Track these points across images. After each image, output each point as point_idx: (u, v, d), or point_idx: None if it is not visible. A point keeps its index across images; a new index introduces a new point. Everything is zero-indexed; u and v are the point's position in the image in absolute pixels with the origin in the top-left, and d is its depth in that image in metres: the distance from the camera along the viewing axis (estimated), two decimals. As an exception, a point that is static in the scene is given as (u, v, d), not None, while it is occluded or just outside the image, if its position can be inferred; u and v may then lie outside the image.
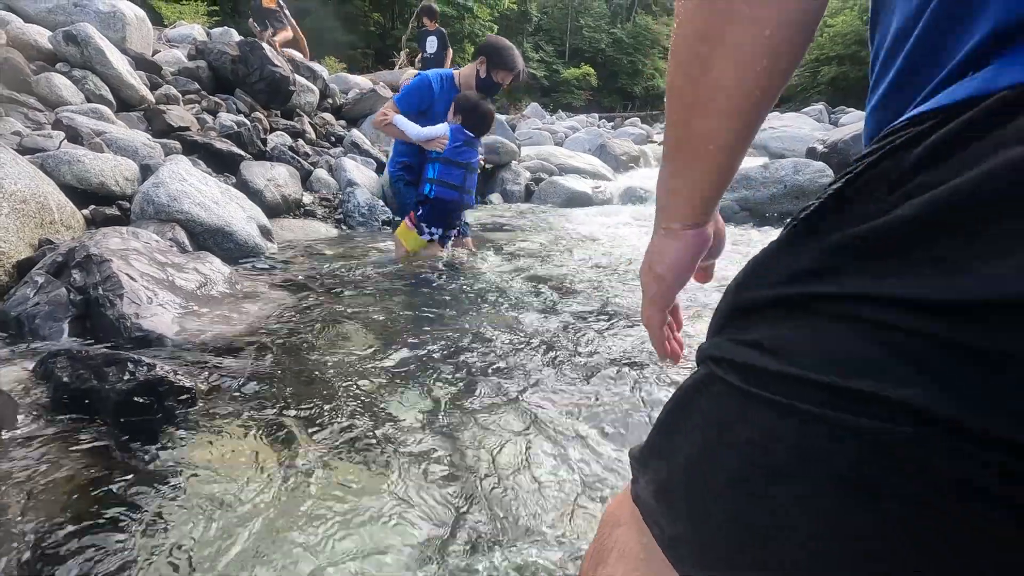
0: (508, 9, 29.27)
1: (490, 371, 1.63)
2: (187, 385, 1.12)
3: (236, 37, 6.53)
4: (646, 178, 8.36)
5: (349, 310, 2.08)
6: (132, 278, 1.62)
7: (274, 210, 3.85)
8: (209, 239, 2.79)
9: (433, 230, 2.84)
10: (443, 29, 7.98)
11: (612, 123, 21.93)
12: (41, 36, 4.01)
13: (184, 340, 1.53)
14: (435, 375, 1.58)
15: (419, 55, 8.23)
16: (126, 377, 1.07)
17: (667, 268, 0.52)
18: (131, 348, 1.49)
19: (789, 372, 0.33)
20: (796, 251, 0.36)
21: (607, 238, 4.04)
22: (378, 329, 1.91)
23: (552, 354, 1.77)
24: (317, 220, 4.16)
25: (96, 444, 1.04)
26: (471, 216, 3.46)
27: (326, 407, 1.35)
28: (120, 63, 4.16)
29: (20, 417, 1.09)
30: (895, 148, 0.34)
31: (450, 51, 7.97)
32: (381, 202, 4.48)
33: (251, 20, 6.94)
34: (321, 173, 4.87)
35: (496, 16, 28.84)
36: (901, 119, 0.36)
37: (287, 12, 6.83)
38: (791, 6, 0.39)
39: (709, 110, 0.42)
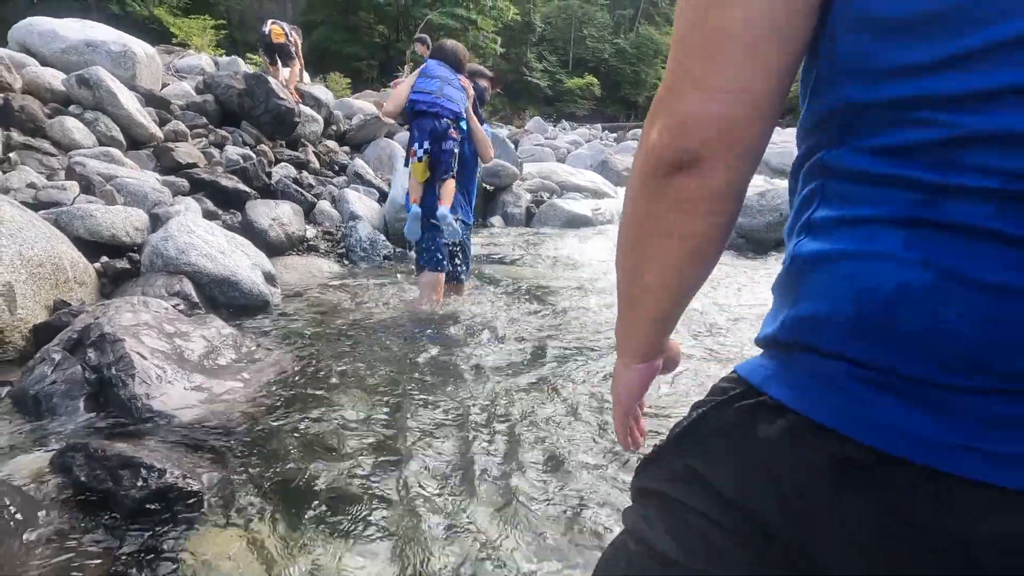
0: (512, 20, 29.46)
1: (484, 446, 1.72)
2: (195, 489, 1.22)
3: (242, 66, 6.68)
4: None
5: (348, 374, 2.18)
6: (143, 356, 1.72)
7: (278, 248, 3.96)
8: (215, 288, 2.90)
9: (421, 142, 2.83)
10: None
11: (615, 134, 22.08)
12: (55, 79, 4.15)
13: (190, 420, 1.63)
14: (432, 451, 1.67)
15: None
16: (139, 484, 1.17)
17: (623, 391, 0.63)
18: (142, 425, 1.59)
19: (658, 549, 0.50)
20: (669, 460, 0.54)
21: (607, 281, 4.13)
22: (376, 397, 2.00)
23: (552, 428, 1.86)
24: (320, 256, 4.27)
25: (111, 546, 1.14)
26: (475, 243, 3.49)
27: (322, 492, 1.44)
28: (130, 103, 4.29)
29: (40, 515, 1.18)
30: (720, 404, 0.50)
31: None
32: (383, 236, 4.59)
33: (260, 52, 7.09)
34: (324, 205, 4.98)
35: (500, 27, 29.01)
36: (732, 371, 0.53)
37: (295, 38, 6.95)
38: (708, 228, 0.46)
39: (645, 296, 0.52)
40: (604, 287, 3.79)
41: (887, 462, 0.39)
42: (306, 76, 7.23)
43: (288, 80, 6.56)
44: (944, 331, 0.37)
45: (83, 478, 1.23)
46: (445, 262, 2.95)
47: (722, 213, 0.46)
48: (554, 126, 23.32)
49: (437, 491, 1.47)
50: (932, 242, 0.38)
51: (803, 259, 0.46)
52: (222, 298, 2.93)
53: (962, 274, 0.36)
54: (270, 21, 6.80)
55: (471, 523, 1.35)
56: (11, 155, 3.26)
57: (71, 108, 4.08)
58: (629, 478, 0.63)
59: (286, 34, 6.64)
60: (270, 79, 5.48)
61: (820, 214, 0.45)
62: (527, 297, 3.56)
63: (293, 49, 6.71)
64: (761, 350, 0.51)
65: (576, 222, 7.19)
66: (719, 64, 0.42)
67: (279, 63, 6.70)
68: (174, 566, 1.10)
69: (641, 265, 0.51)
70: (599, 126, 26.51)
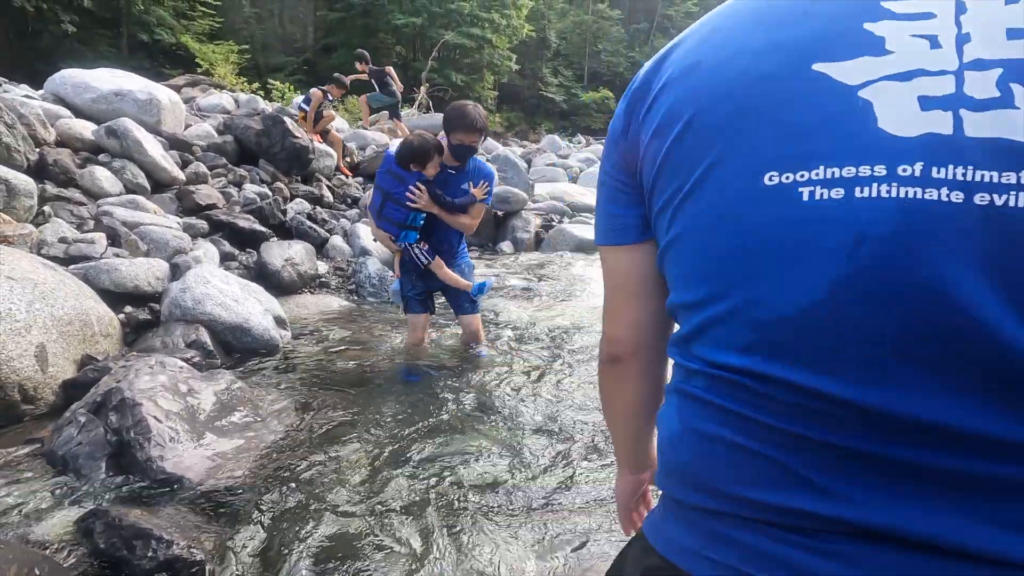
0: (527, 37, 29.86)
1: (487, 498, 1.85)
2: (198, 559, 1.37)
3: (261, 104, 6.98)
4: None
5: (352, 426, 2.33)
6: (158, 419, 1.90)
7: (290, 288, 4.16)
8: (229, 335, 3.10)
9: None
10: (374, 67, 8.51)
11: (629, 149, 22.09)
12: (85, 129, 4.45)
13: (199, 481, 1.80)
14: (436, 508, 1.81)
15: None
16: (149, 555, 1.33)
17: (619, 494, 0.81)
18: (156, 488, 1.77)
19: None
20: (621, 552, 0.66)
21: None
22: (380, 450, 2.15)
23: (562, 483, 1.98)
24: (331, 293, 4.46)
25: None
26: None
27: (322, 552, 1.59)
28: (155, 149, 4.56)
29: (66, 580, 1.35)
30: (633, 540, 0.64)
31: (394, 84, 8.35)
32: (391, 273, 4.77)
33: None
34: (336, 240, 5.20)
35: (515, 44, 29.40)
36: None
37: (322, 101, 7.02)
38: (636, 392, 0.69)
39: (616, 425, 0.76)
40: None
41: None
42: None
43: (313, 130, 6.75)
44: (685, 466, 0.53)
45: (102, 545, 1.40)
46: (419, 307, 3.07)
47: (643, 384, 0.69)
48: (569, 141, 23.51)
49: (446, 551, 1.61)
50: (684, 406, 0.54)
51: None
52: (236, 343, 3.12)
53: (693, 427, 0.52)
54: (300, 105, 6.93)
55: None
56: (45, 208, 3.52)
57: (100, 156, 4.36)
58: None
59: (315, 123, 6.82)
60: (286, 119, 5.73)
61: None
62: (531, 334, 3.69)
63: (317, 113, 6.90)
64: None
65: (585, 247, 7.30)
66: (619, 305, 0.66)
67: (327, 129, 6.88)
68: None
69: (609, 406, 0.75)
70: (614, 140, 26.56)
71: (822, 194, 0.42)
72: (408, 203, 2.75)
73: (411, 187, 2.73)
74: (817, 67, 0.44)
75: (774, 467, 0.45)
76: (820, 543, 0.43)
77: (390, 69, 8.58)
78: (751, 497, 0.46)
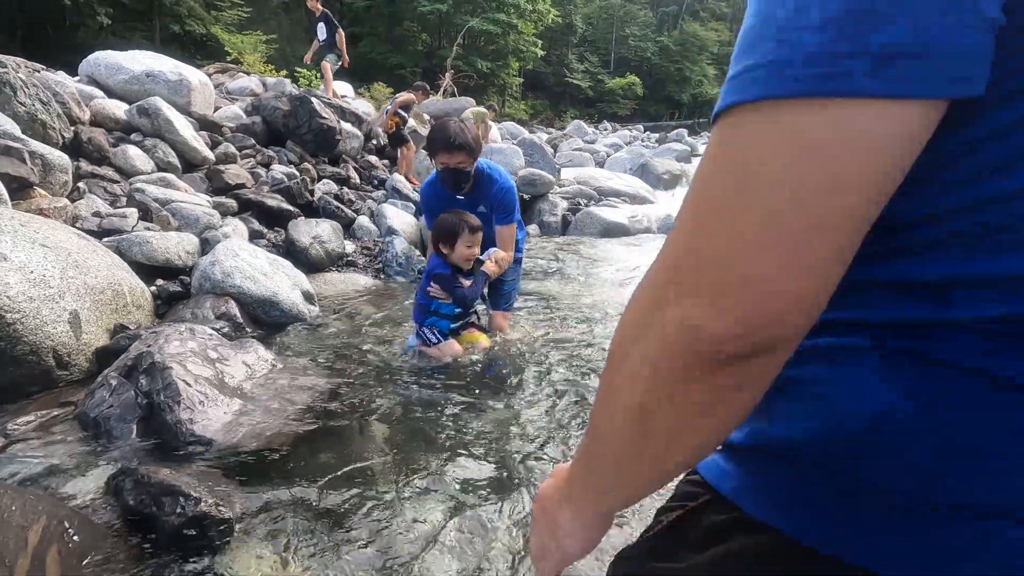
0: (553, 22, 29.46)
1: (513, 480, 1.79)
2: (226, 516, 1.34)
3: (289, 87, 6.99)
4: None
5: (378, 397, 2.29)
6: (188, 383, 1.88)
7: (318, 265, 4.16)
8: (258, 308, 3.09)
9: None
10: (328, 12, 7.66)
11: (657, 134, 21.73)
12: (118, 109, 4.50)
13: (228, 444, 1.78)
14: (459, 479, 1.76)
15: (315, 45, 7.91)
16: (178, 511, 1.30)
17: (574, 544, 0.54)
18: (186, 449, 1.75)
19: None
20: (652, 545, 0.53)
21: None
22: (404, 422, 2.11)
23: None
24: (358, 271, 4.45)
25: (156, 564, 1.28)
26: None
27: (348, 516, 1.55)
28: (185, 129, 4.59)
29: (94, 538, 1.33)
30: (690, 513, 0.50)
31: (341, 33, 7.56)
32: (418, 252, 4.73)
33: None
34: (363, 221, 5.18)
35: (540, 29, 29.05)
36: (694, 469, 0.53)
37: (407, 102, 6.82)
38: (758, 398, 0.39)
39: (656, 469, 0.43)
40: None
41: None
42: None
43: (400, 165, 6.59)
44: (933, 473, 0.37)
45: (131, 502, 1.38)
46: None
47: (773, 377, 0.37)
48: (595, 128, 23.17)
49: (466, 520, 1.55)
50: (929, 381, 0.37)
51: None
52: (264, 317, 3.12)
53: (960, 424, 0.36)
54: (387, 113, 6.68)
55: (499, 554, 1.42)
56: (80, 184, 3.56)
57: (132, 136, 4.40)
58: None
59: (399, 121, 6.58)
60: (313, 100, 5.72)
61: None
62: (560, 321, 3.59)
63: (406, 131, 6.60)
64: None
65: (613, 230, 7.16)
66: (820, 234, 0.32)
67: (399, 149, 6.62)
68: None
69: (656, 444, 0.40)
70: (640, 126, 26.16)
71: None
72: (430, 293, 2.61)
73: (427, 285, 2.59)
74: None
75: None
76: None
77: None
78: None
